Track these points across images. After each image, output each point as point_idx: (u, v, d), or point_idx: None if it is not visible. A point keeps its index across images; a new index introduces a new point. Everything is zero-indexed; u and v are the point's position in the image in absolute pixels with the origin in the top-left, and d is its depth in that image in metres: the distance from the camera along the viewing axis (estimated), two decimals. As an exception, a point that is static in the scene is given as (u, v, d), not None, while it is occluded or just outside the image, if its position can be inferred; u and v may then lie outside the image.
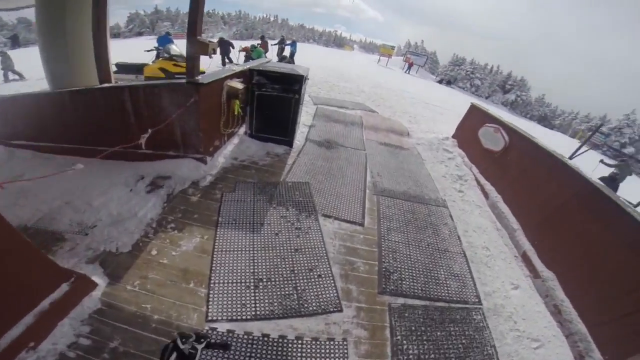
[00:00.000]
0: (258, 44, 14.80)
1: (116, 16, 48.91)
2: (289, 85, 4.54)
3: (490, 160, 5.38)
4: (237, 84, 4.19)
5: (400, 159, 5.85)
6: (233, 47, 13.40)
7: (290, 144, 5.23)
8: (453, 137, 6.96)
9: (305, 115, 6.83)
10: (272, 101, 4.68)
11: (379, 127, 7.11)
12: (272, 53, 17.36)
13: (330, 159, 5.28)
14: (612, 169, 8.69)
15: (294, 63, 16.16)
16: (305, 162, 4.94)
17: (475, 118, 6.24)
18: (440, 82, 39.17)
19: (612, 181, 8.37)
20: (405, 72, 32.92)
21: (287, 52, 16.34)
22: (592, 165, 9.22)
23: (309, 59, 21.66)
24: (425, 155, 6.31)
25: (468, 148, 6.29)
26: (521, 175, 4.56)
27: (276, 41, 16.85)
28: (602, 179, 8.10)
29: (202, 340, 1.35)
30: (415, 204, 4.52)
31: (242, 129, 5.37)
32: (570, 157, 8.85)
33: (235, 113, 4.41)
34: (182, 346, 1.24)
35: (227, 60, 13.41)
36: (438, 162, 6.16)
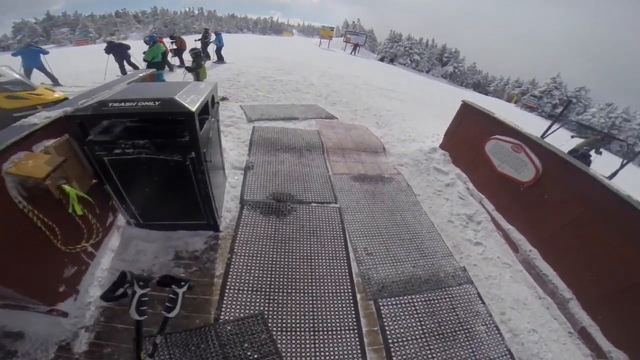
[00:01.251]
0: (171, 43, 11.68)
1: (2, 26, 40.80)
2: (168, 136, 2.23)
3: (512, 193, 3.75)
4: (37, 165, 1.73)
5: (388, 205, 4.01)
6: (129, 49, 10.19)
7: (213, 226, 3.05)
8: (442, 147, 5.28)
9: (237, 147, 4.59)
10: (146, 169, 2.35)
11: (345, 146, 5.12)
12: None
13: (287, 235, 3.24)
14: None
15: (222, 60, 13.33)
16: (246, 260, 2.88)
17: (472, 123, 4.58)
18: (381, 60, 38.49)
19: (585, 158, 7.63)
20: (351, 53, 31.39)
21: (211, 48, 13.36)
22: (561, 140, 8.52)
23: (243, 51, 18.76)
24: (416, 184, 4.56)
25: (469, 166, 4.67)
26: (573, 225, 3.00)
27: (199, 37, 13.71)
28: (571, 152, 7.30)
29: (183, 283, 1.11)
30: (431, 295, 2.85)
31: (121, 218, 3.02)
32: (543, 136, 7.82)
33: (78, 213, 2.07)
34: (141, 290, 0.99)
35: (127, 67, 10.17)
36: (435, 194, 4.47)
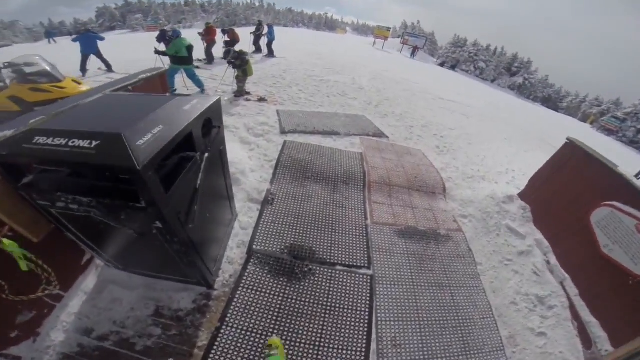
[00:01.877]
0: (224, 35, 11.36)
1: (89, 10, 46.99)
2: (121, 195, 1.37)
3: (613, 282, 2.66)
4: None
5: (437, 277, 3.02)
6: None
7: (207, 283, 2.32)
8: (522, 197, 3.96)
9: (260, 168, 3.76)
10: (107, 227, 1.54)
11: (394, 181, 4.04)
12: (244, 42, 13.96)
13: (296, 310, 2.42)
14: None
15: (272, 54, 12.80)
16: (238, 334, 2.21)
17: (576, 174, 3.23)
18: (442, 65, 35.69)
19: None
20: (411, 57, 29.46)
21: (263, 41, 12.89)
22: None
23: (296, 46, 18.22)
24: (479, 248, 3.40)
25: (556, 233, 3.36)
26: None
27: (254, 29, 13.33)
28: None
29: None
30: None
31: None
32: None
33: (22, 269, 1.43)
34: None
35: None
36: (502, 264, 3.31)
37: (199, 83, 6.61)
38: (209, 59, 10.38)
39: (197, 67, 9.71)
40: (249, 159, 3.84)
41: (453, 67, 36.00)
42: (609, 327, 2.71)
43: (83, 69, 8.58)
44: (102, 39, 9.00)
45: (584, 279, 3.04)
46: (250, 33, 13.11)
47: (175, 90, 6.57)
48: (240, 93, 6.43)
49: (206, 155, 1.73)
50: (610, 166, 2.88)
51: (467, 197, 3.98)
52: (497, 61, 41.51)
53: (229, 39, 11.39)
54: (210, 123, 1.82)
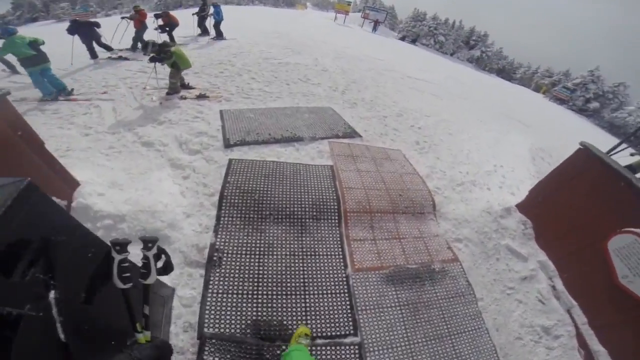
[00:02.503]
0: (156, 19, 9.51)
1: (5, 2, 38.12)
2: None
3: (627, 314, 2.37)
4: None
5: (435, 327, 2.54)
6: (98, 27, 8.04)
7: None
8: (520, 209, 3.40)
9: (197, 210, 2.75)
10: None
11: (375, 204, 3.21)
12: (187, 25, 12.10)
13: None
14: None
15: (221, 36, 11.15)
16: None
17: (591, 190, 2.65)
18: (402, 39, 35.07)
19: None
20: (373, 31, 28.37)
21: (210, 22, 11.16)
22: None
23: (249, 25, 16.34)
24: (479, 279, 2.85)
25: (564, 254, 2.88)
26: None
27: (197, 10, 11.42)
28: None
29: (150, 244, 0.98)
30: None
31: None
32: (609, 152, 5.83)
33: None
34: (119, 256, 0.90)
35: (98, 49, 8.12)
36: (504, 294, 2.88)
37: (56, 83, 5.19)
38: (134, 45, 8.80)
39: (127, 59, 8.05)
40: (182, 195, 2.83)
41: (414, 41, 35.57)
42: (618, 357, 2.49)
43: None
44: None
45: (594, 308, 2.67)
46: (193, 14, 11.31)
47: (55, 94, 5.14)
48: (174, 90, 5.20)
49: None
50: (636, 183, 2.33)
51: (461, 214, 3.33)
52: (455, 35, 41.76)
53: (162, 23, 9.63)
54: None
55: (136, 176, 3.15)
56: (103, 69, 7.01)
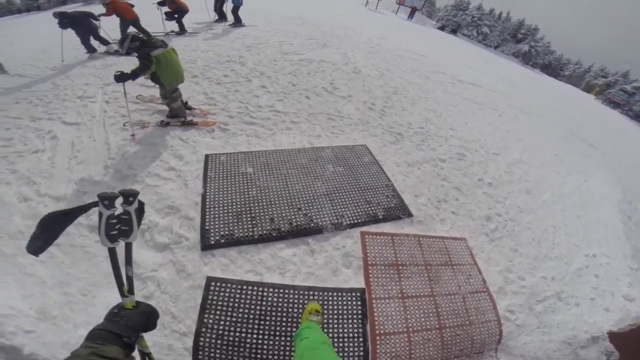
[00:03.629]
0: (159, 6, 8.04)
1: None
2: None
3: None
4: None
5: None
6: (97, 19, 6.61)
7: None
8: (612, 337, 1.72)
9: (160, 347, 1.33)
10: None
11: (417, 351, 1.78)
12: (200, 9, 10.61)
13: None
14: None
15: (240, 22, 9.56)
16: None
17: None
18: (441, 28, 31.98)
19: None
20: (408, 19, 25.82)
21: (228, 7, 9.56)
22: None
23: (273, 9, 14.64)
24: None
25: None
26: None
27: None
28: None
29: (132, 198, 0.90)
30: None
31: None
32: None
33: None
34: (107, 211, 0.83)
35: (95, 47, 6.74)
36: None
37: None
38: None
39: (116, 52, 6.67)
40: None
41: (454, 32, 32.40)
42: None
43: None
44: None
45: None
46: None
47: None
48: (176, 113, 3.74)
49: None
50: None
51: (533, 349, 1.93)
52: (502, 27, 37.68)
53: (171, 10, 8.16)
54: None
55: (76, 298, 1.84)
56: (91, 70, 5.72)
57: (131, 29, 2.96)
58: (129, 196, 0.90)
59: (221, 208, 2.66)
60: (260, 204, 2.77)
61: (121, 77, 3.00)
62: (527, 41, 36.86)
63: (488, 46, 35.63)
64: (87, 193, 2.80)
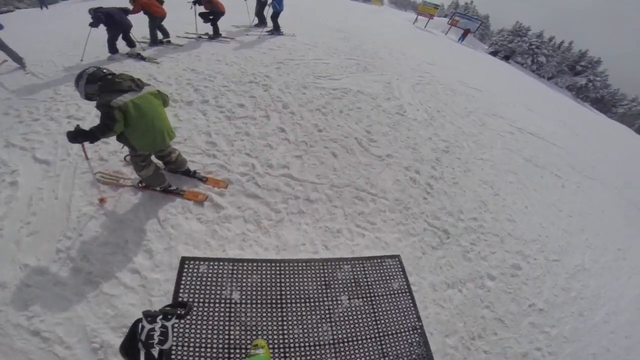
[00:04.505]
0: (193, 5, 7.32)
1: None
2: None
3: None
4: None
5: None
6: (127, 12, 5.97)
7: None
8: None
9: None
10: None
11: None
12: (237, 10, 9.88)
13: None
14: None
15: (278, 31, 8.71)
16: None
17: None
18: (494, 54, 29.84)
19: None
20: (459, 41, 24.22)
21: (269, 12, 8.72)
22: None
23: (316, 18, 13.80)
24: None
25: None
26: None
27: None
28: None
29: (170, 316, 1.13)
30: None
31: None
32: None
33: None
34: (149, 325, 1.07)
35: (128, 49, 6.09)
36: None
37: None
38: (153, 37, 6.71)
39: (143, 58, 5.97)
40: None
41: (507, 58, 30.17)
42: None
43: None
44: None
45: None
46: None
47: None
48: (149, 183, 2.75)
49: None
50: None
51: None
52: (560, 57, 34.64)
53: (206, 10, 7.45)
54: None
55: None
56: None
57: (90, 69, 1.97)
58: (169, 315, 1.11)
59: (191, 350, 1.77)
60: (244, 351, 1.79)
61: (75, 137, 2.04)
62: (586, 74, 33.50)
63: (541, 76, 32.84)
64: (30, 287, 2.06)
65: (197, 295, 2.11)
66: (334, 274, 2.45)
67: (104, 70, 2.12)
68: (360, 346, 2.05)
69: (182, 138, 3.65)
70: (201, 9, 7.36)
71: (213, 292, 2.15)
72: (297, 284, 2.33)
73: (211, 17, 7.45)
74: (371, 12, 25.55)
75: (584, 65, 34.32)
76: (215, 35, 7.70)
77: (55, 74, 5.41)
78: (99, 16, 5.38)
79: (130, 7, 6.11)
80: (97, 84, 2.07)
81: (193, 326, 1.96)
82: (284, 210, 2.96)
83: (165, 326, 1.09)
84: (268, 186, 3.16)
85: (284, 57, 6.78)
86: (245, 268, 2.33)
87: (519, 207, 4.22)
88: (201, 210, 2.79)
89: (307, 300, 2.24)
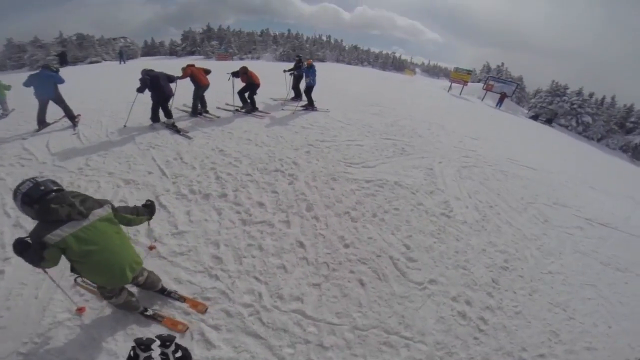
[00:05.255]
0: (230, 77, 7.74)
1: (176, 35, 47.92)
2: None
3: None
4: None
5: None
6: (174, 81, 6.39)
7: None
8: None
9: None
10: None
11: None
12: (276, 83, 10.49)
13: None
14: None
15: (312, 106, 8.84)
16: None
17: None
18: (534, 118, 28.76)
19: None
20: (497, 107, 23.85)
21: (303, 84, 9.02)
22: None
23: (352, 89, 14.33)
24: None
25: None
26: None
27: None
28: None
29: (168, 343, 1.06)
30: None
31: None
32: None
33: None
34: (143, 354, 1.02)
35: (165, 117, 6.44)
36: None
37: None
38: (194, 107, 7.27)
39: (178, 131, 6.14)
40: None
41: (549, 121, 28.88)
42: None
43: (41, 120, 5.88)
44: (61, 81, 5.87)
45: None
46: (285, 71, 9.42)
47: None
48: (125, 309, 2.29)
49: None
50: None
51: None
52: (606, 115, 32.47)
53: (243, 83, 7.83)
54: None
55: None
56: (133, 150, 5.24)
57: (26, 184, 1.66)
58: (166, 341, 1.04)
59: None
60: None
61: (20, 253, 1.60)
62: (639, 131, 30.41)
63: (590, 138, 30.50)
64: None
65: None
66: None
67: (42, 188, 1.63)
68: None
69: (186, 248, 3.15)
70: (239, 81, 7.70)
71: None
72: None
73: (247, 92, 7.77)
74: (405, 82, 26.53)
75: (634, 122, 31.51)
76: (252, 109, 7.93)
77: (97, 139, 5.59)
78: (145, 80, 5.63)
79: (178, 74, 6.57)
80: (33, 208, 1.61)
81: None
82: (289, 357, 2.20)
83: (165, 354, 1.04)
84: (274, 324, 2.45)
85: (315, 138, 6.56)
86: None
87: (600, 330, 3.03)
88: (188, 344, 2.20)
89: None
